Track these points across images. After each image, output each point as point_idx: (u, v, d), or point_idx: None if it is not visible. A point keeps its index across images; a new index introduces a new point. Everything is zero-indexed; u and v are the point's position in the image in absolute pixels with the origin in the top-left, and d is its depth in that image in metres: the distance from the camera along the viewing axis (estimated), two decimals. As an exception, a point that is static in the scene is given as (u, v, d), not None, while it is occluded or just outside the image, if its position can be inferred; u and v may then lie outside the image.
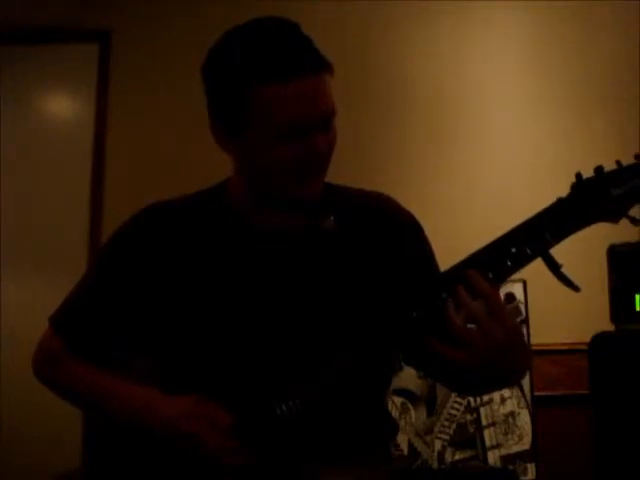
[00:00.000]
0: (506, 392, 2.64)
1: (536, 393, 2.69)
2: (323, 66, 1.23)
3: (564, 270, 1.18)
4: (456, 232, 2.85)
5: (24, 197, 3.21)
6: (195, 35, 3.23)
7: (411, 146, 3.11)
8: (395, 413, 2.63)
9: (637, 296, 2.30)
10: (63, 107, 3.37)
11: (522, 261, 1.18)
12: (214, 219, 1.35)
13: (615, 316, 2.32)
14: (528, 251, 1.18)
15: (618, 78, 3.06)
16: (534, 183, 3.00)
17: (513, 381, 1.51)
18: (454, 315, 1.15)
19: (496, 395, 2.64)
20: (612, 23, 3.11)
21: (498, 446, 2.62)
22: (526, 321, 2.65)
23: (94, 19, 3.27)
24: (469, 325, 1.16)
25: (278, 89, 1.19)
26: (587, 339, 2.28)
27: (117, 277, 1.34)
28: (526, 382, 2.65)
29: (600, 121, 3.05)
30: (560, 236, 1.19)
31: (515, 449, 2.62)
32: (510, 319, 1.16)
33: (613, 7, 3.09)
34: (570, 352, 2.83)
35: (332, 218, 1.32)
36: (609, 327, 2.32)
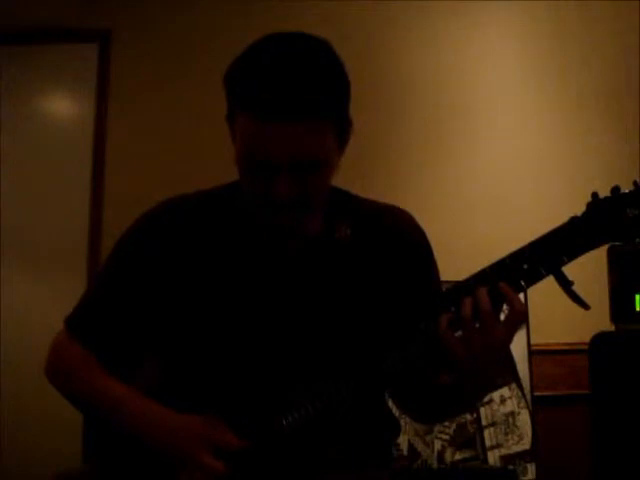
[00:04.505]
0: (506, 392, 2.64)
1: (536, 393, 2.68)
2: (309, 113, 1.15)
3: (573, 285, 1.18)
4: (455, 237, 2.86)
5: (24, 197, 3.21)
6: (195, 35, 3.24)
7: (410, 148, 3.11)
8: (395, 413, 2.62)
9: (637, 296, 2.30)
10: (63, 107, 3.37)
11: (535, 279, 1.18)
12: (228, 220, 1.35)
13: (615, 316, 2.32)
14: (542, 270, 1.18)
15: (619, 78, 3.06)
16: (534, 184, 3.00)
17: (475, 401, 1.54)
18: (445, 328, 1.17)
19: (496, 395, 2.64)
20: (613, 23, 3.11)
21: (498, 446, 2.62)
22: (526, 321, 2.65)
23: (94, 19, 3.27)
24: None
25: (250, 124, 1.16)
26: (587, 339, 2.28)
27: (131, 279, 1.34)
28: (526, 382, 2.65)
29: (601, 121, 3.05)
30: (575, 256, 1.18)
31: (515, 449, 2.62)
32: (493, 344, 1.16)
33: (614, 6, 3.09)
34: (570, 352, 2.83)
35: (348, 230, 1.31)
36: (609, 327, 2.32)
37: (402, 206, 1.43)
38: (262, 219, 1.26)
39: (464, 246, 2.81)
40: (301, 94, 1.15)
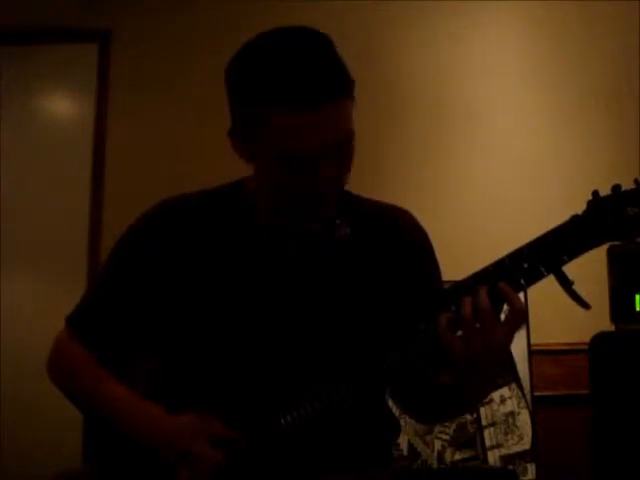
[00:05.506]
0: (506, 392, 2.64)
1: (536, 393, 2.68)
2: (341, 92, 1.18)
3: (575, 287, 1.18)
4: (455, 236, 2.86)
5: (24, 197, 3.21)
6: (195, 35, 3.24)
7: (410, 148, 3.11)
8: (395, 413, 2.62)
9: (637, 296, 2.29)
10: (63, 107, 3.37)
11: (535, 278, 1.18)
12: (229, 220, 1.35)
13: (615, 316, 2.31)
14: (542, 269, 1.17)
15: (619, 78, 3.06)
16: (534, 184, 3.00)
17: (476, 400, 1.53)
18: (444, 328, 1.16)
19: (496, 395, 2.64)
20: (613, 23, 3.11)
21: (498, 446, 2.62)
22: (526, 321, 2.65)
23: (94, 19, 3.27)
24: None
25: (289, 117, 1.15)
26: (587, 339, 2.28)
27: (131, 278, 1.34)
28: (526, 382, 2.65)
29: (601, 121, 3.05)
30: (575, 254, 1.18)
31: (515, 449, 2.62)
32: (493, 344, 1.16)
33: (614, 6, 3.09)
34: (570, 352, 2.83)
35: (348, 229, 1.31)
36: (609, 327, 2.32)
37: (402, 206, 1.43)
38: (297, 220, 1.25)
39: (464, 246, 2.81)
40: (332, 73, 1.18)
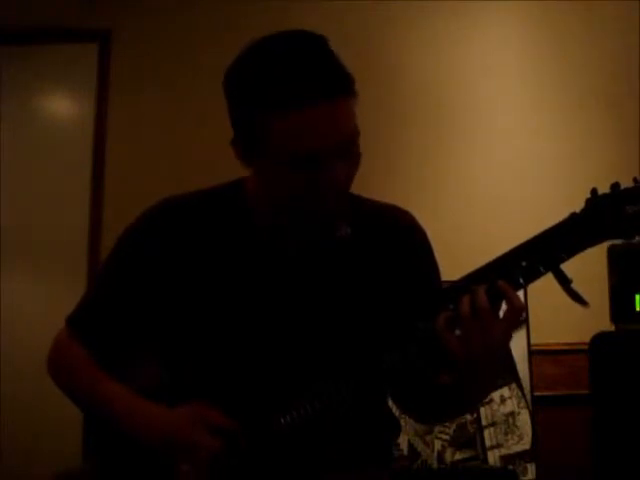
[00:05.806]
0: (506, 392, 2.64)
1: (536, 393, 2.68)
2: (340, 89, 1.17)
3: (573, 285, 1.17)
4: (455, 236, 2.86)
5: (24, 197, 3.21)
6: (195, 35, 3.24)
7: (410, 147, 3.11)
8: (395, 413, 2.62)
9: (637, 296, 2.30)
10: (63, 107, 3.37)
11: (534, 276, 1.18)
12: (229, 220, 1.34)
13: (615, 316, 2.32)
14: (540, 267, 1.17)
15: (619, 78, 3.06)
16: (534, 183, 3.00)
17: (477, 400, 1.52)
18: (443, 327, 1.16)
19: (496, 395, 2.64)
20: (613, 23, 3.11)
21: (498, 446, 2.62)
22: (525, 320, 2.65)
23: (94, 19, 3.27)
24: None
25: (293, 118, 1.14)
26: (587, 339, 2.28)
27: (131, 278, 1.34)
28: (526, 382, 2.65)
29: (601, 121, 3.05)
30: (573, 253, 1.17)
31: (515, 449, 2.62)
32: (492, 342, 1.16)
33: (614, 6, 3.09)
34: (570, 352, 2.83)
35: (349, 230, 1.30)
36: (609, 327, 2.32)
37: (401, 206, 1.43)
38: (297, 221, 1.25)
39: (464, 246, 2.81)
40: (331, 71, 1.17)
